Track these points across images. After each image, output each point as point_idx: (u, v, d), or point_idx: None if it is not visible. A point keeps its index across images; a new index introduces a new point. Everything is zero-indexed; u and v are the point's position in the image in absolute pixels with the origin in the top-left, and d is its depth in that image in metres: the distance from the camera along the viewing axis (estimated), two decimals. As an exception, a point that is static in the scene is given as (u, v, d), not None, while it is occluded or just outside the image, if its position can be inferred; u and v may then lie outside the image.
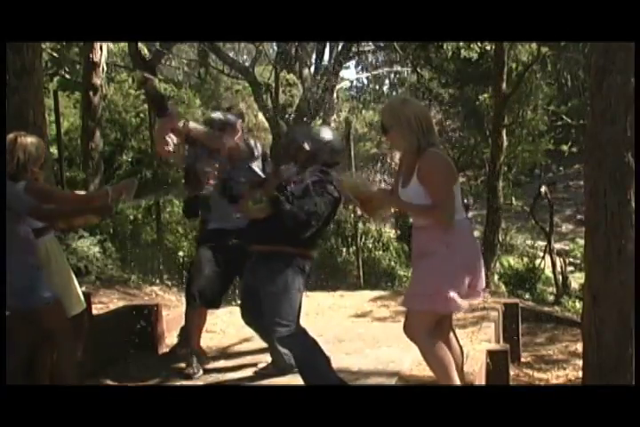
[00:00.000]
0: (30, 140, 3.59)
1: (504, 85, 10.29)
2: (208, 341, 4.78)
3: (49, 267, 3.63)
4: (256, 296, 3.70)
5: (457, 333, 5.03)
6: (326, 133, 3.82)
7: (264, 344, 4.18)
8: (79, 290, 3.86)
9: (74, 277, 3.86)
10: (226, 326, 5.32)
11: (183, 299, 6.54)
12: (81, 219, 3.79)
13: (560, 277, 10.42)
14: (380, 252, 9.94)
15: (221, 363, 4.48)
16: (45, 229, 3.66)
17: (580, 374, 4.00)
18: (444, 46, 11.61)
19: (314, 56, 17.26)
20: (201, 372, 4.20)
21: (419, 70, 15.34)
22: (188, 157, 4.26)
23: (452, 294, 3.15)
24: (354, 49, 14.89)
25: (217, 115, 4.30)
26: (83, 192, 4.64)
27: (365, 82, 27.27)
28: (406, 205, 3.38)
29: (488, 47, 10.98)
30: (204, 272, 4.10)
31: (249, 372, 4.23)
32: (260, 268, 3.67)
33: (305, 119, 13.98)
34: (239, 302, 3.93)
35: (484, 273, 3.34)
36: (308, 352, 3.64)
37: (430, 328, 3.25)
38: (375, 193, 3.36)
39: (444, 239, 3.14)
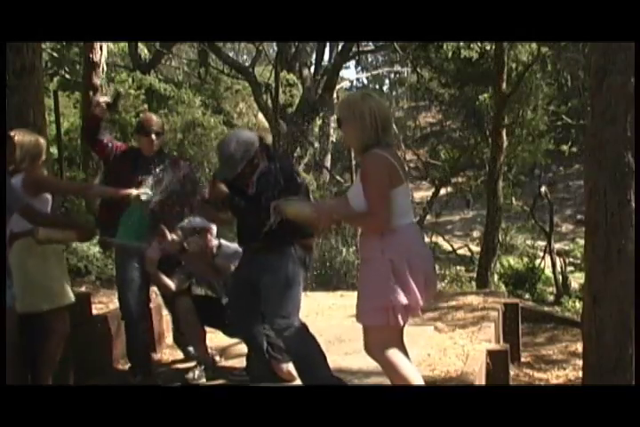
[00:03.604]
0: (28, 138, 3.55)
1: (504, 85, 10.30)
2: (208, 341, 4.77)
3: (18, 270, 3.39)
4: (252, 294, 3.63)
5: (457, 333, 5.08)
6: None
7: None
8: (59, 286, 3.63)
9: (50, 271, 3.61)
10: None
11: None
12: (61, 233, 3.48)
13: (560, 277, 10.44)
14: (380, 252, 9.91)
15: (221, 362, 4.49)
16: (23, 234, 3.44)
17: (580, 374, 4.00)
18: (444, 46, 11.60)
19: (314, 56, 17.29)
20: (203, 380, 4.14)
21: (419, 70, 15.35)
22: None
23: (401, 305, 2.89)
24: (354, 49, 14.90)
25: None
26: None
27: (365, 82, 27.39)
28: (341, 216, 3.20)
29: (488, 47, 11.00)
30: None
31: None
32: (257, 263, 3.60)
33: (305, 119, 13.98)
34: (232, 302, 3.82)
35: (434, 280, 3.12)
36: (307, 348, 3.60)
37: (388, 344, 3.04)
38: (312, 214, 3.10)
39: (380, 246, 2.93)
